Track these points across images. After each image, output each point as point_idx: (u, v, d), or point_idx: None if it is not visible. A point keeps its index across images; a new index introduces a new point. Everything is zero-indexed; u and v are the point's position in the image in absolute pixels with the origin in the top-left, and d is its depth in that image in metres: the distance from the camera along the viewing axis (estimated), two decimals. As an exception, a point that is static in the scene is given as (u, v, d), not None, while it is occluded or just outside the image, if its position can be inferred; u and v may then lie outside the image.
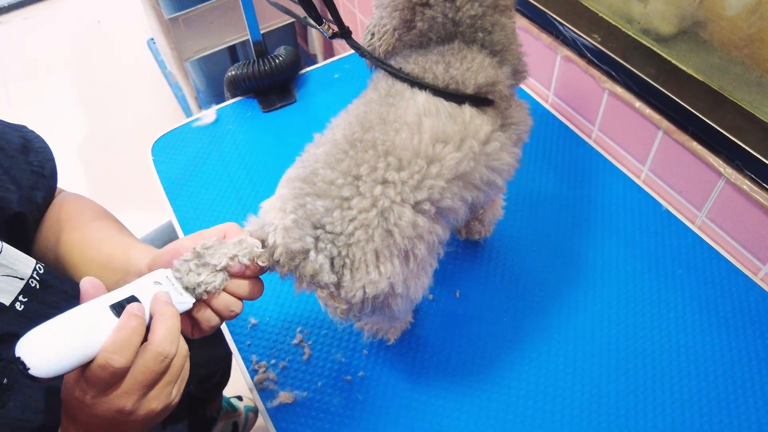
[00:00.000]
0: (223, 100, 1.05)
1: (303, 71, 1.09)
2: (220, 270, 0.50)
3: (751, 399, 0.65)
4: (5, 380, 0.50)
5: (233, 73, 1.02)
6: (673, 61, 0.80)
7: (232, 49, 1.85)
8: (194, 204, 0.89)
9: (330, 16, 0.63)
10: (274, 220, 0.51)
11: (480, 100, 0.58)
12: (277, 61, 1.01)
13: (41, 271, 0.57)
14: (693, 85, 0.78)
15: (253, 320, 0.75)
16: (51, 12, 2.78)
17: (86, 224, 0.66)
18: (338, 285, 0.51)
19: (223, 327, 0.75)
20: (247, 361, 0.72)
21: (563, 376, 0.68)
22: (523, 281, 0.77)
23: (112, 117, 2.21)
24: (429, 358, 0.71)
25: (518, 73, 0.63)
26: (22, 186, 0.62)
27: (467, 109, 0.56)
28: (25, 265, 0.56)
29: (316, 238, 0.50)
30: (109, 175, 1.97)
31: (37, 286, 0.56)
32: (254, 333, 0.74)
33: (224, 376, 1.10)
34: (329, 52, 1.89)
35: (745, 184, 0.71)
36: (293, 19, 1.78)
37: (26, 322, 0.53)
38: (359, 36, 0.66)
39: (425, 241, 0.53)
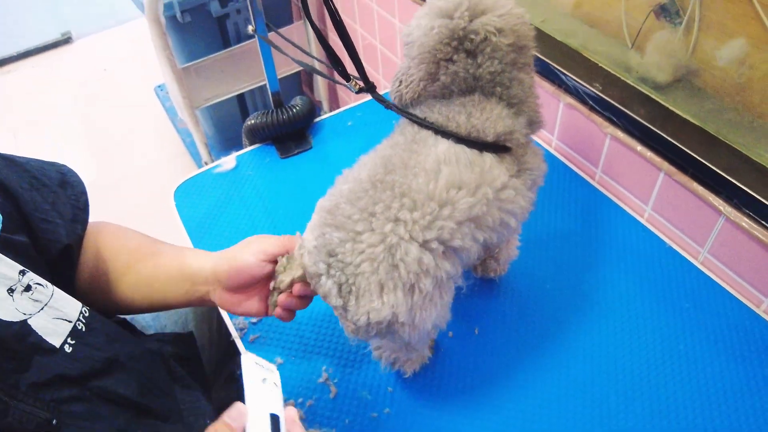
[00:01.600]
0: (231, 146, 1.10)
1: (317, 119, 1.15)
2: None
3: (763, 425, 0.68)
4: (54, 421, 0.52)
5: (252, 122, 1.07)
6: (671, 107, 0.86)
7: (240, 97, 1.91)
8: (217, 247, 0.92)
9: (356, 73, 0.69)
10: (306, 243, 0.61)
11: (499, 148, 0.63)
12: (294, 110, 1.07)
13: (86, 314, 0.60)
14: (690, 129, 0.83)
15: (279, 359, 0.78)
16: (58, 61, 2.86)
17: (133, 261, 0.71)
18: (345, 308, 0.57)
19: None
20: (275, 399, 0.74)
21: (582, 410, 0.71)
22: (538, 317, 0.80)
23: (120, 164, 2.26)
24: (451, 395, 0.73)
25: (534, 124, 0.68)
26: (66, 219, 0.65)
27: (487, 157, 0.61)
28: (72, 308, 0.59)
29: (329, 265, 0.57)
30: (118, 221, 2.00)
31: (83, 329, 0.58)
32: (281, 372, 0.76)
33: None
34: (334, 100, 1.96)
35: (744, 222, 0.76)
36: (299, 69, 1.85)
37: (75, 363, 0.56)
38: (380, 90, 0.71)
39: (432, 276, 0.57)
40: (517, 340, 0.78)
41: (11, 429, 0.48)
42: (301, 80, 2.04)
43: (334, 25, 0.65)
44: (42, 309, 0.55)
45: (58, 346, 0.55)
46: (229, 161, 1.07)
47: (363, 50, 1.63)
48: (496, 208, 0.61)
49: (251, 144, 1.12)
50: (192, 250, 0.71)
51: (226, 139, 1.98)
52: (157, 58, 1.56)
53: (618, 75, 0.93)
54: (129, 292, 0.71)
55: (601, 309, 0.81)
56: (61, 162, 0.73)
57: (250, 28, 0.97)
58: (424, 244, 0.56)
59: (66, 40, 2.94)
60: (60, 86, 2.68)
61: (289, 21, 1.83)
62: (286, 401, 0.73)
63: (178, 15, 1.54)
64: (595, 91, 0.93)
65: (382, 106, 0.68)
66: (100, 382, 0.58)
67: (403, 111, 0.65)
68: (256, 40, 1.71)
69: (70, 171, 0.72)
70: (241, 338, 0.81)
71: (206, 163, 1.87)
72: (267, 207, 0.98)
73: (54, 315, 0.56)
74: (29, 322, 0.53)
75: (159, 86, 2.31)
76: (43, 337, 0.54)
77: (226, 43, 1.72)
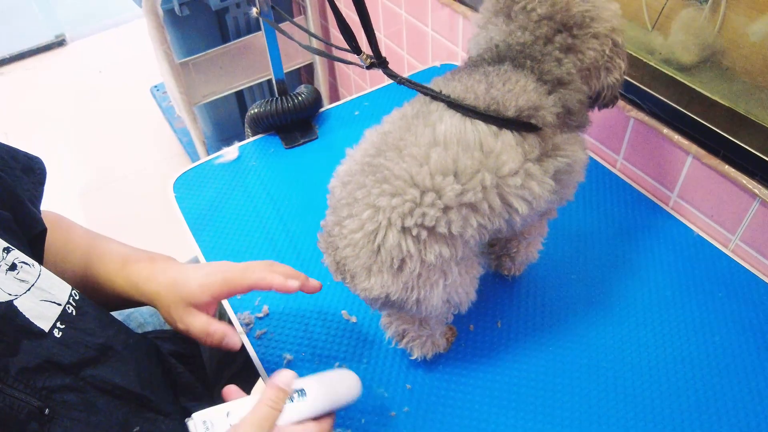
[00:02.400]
0: (230, 144, 1.05)
1: (323, 109, 1.10)
2: None
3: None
4: (47, 411, 0.48)
5: (256, 110, 1.02)
6: (697, 88, 0.82)
7: (239, 95, 1.87)
8: (220, 238, 0.88)
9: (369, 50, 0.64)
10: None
11: (522, 125, 0.58)
12: (299, 98, 1.02)
13: (77, 297, 0.55)
14: (719, 110, 0.79)
15: (288, 356, 0.73)
16: (52, 63, 2.81)
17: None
18: (347, 283, 0.59)
19: (258, 365, 0.73)
20: (285, 397, 0.69)
21: (614, 404, 0.66)
22: (563, 311, 0.76)
23: (116, 165, 2.21)
24: (471, 390, 0.69)
25: (572, 114, 0.62)
26: (36, 204, 0.61)
27: (505, 137, 0.56)
28: (61, 290, 0.54)
29: (328, 244, 0.59)
30: (117, 222, 1.95)
31: (74, 312, 0.54)
32: (291, 368, 0.72)
33: None
34: (335, 95, 1.92)
35: (783, 205, 0.72)
36: (299, 65, 1.81)
37: (65, 350, 0.51)
38: (394, 67, 0.67)
39: (417, 259, 0.55)
40: (542, 334, 0.73)
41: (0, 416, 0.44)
42: (301, 77, 2.00)
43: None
44: (29, 290, 0.50)
45: (47, 330, 0.50)
46: (231, 152, 1.03)
47: (383, 19, 1.54)
48: (496, 194, 0.55)
49: (254, 134, 1.07)
50: (136, 266, 0.67)
51: (224, 139, 1.93)
52: (154, 52, 1.51)
53: (640, 57, 0.89)
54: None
55: (628, 301, 0.76)
56: (57, 164, 0.69)
57: (255, 10, 0.92)
58: (404, 230, 0.54)
59: (60, 43, 2.89)
60: (55, 88, 2.63)
61: (290, 15, 1.79)
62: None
63: (177, 8, 1.49)
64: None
65: (395, 82, 0.63)
66: (95, 371, 0.53)
67: (413, 83, 0.60)
68: (256, 35, 1.68)
69: (39, 160, 0.67)
70: (247, 334, 0.76)
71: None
72: (272, 198, 0.94)
73: (42, 297, 0.51)
74: (15, 303, 0.48)
75: (155, 86, 2.27)
76: (31, 320, 0.49)
77: (225, 38, 1.68)
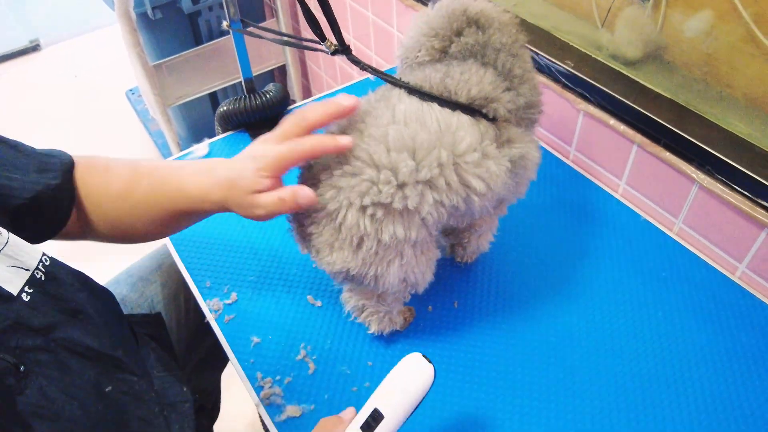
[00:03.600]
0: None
1: (292, 106, 1.14)
2: None
3: (741, 386, 0.68)
4: (22, 368, 0.50)
5: (225, 108, 1.06)
6: (642, 82, 0.87)
7: (213, 96, 1.90)
8: (199, 233, 0.91)
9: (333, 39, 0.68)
10: None
11: (473, 111, 0.62)
12: (267, 96, 1.06)
13: (47, 263, 0.57)
14: (661, 101, 0.84)
15: (255, 339, 0.76)
16: (27, 68, 2.80)
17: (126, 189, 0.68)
18: (313, 256, 0.63)
19: (226, 347, 0.76)
20: (252, 378, 0.72)
21: (562, 377, 0.71)
22: (518, 293, 0.80)
23: (90, 167, 2.21)
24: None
25: (532, 108, 0.67)
26: (30, 172, 0.62)
27: (459, 117, 0.60)
28: (30, 256, 0.56)
29: (296, 222, 0.64)
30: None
31: (43, 278, 0.56)
32: (257, 351, 0.75)
33: (214, 409, 1.09)
34: (307, 94, 1.96)
35: (717, 188, 0.77)
36: (272, 67, 1.85)
37: (34, 312, 0.54)
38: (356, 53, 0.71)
39: (375, 238, 0.58)
40: (496, 314, 0.78)
41: None
42: (274, 78, 2.04)
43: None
44: None
45: (15, 293, 0.53)
46: (201, 148, 1.06)
47: (352, 22, 1.59)
48: (453, 171, 0.59)
49: (224, 131, 1.10)
50: (188, 173, 0.66)
51: (198, 140, 1.95)
52: (128, 56, 1.54)
53: (589, 53, 0.94)
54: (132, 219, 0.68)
55: (579, 283, 0.81)
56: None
57: (225, 23, 0.96)
58: (362, 210, 0.58)
59: (34, 48, 2.89)
60: (30, 93, 2.63)
61: (262, 18, 1.82)
62: (262, 376, 0.72)
63: (149, 11, 1.52)
64: (567, 68, 0.94)
65: (358, 67, 0.67)
66: (65, 333, 0.55)
67: (375, 71, 0.65)
68: (228, 37, 1.71)
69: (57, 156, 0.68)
70: (216, 320, 0.79)
71: (179, 164, 1.85)
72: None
73: (9, 263, 0.53)
74: None
75: (131, 90, 2.28)
76: (0, 285, 0.52)
77: (198, 40, 1.71)
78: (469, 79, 0.62)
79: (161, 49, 1.62)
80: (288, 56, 1.81)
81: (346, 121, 0.62)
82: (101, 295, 0.65)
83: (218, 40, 1.68)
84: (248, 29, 0.94)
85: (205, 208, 0.65)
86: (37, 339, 0.53)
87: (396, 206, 0.57)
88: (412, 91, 0.61)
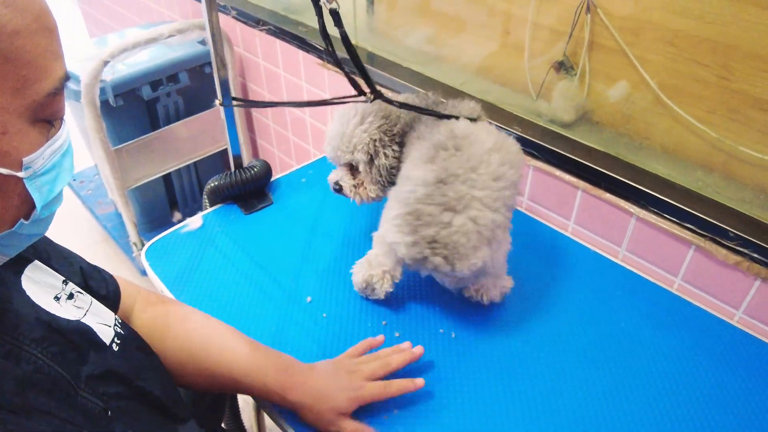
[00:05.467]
0: (158, 227, 1.17)
1: (273, 178, 1.25)
2: None
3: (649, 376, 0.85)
4: (109, 412, 0.57)
5: (216, 183, 1.15)
6: (578, 140, 1.08)
7: (167, 178, 1.96)
8: (202, 294, 0.98)
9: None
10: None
11: None
12: (253, 170, 1.17)
13: (119, 323, 0.66)
14: (597, 153, 1.04)
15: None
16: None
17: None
18: (453, 270, 0.80)
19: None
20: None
21: (522, 363, 0.84)
22: (505, 323, 0.94)
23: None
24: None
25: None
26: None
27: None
28: (109, 316, 0.65)
29: (432, 249, 0.79)
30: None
31: (122, 332, 0.65)
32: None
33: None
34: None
35: (651, 218, 0.96)
36: (219, 149, 1.95)
37: (121, 361, 0.62)
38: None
39: (503, 227, 0.82)
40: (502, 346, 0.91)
41: (83, 412, 0.53)
42: (224, 160, 2.13)
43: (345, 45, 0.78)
44: (85, 314, 0.61)
45: (108, 343, 0.61)
46: (195, 221, 1.14)
47: (291, 124, 1.78)
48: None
49: (212, 205, 1.19)
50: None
51: (152, 220, 2.00)
52: (90, 141, 1.59)
53: (532, 119, 1.14)
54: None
55: (540, 308, 0.95)
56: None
57: (217, 101, 1.08)
58: (495, 211, 0.80)
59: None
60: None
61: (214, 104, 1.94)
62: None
63: (111, 99, 1.60)
64: (515, 132, 1.13)
65: (394, 106, 0.87)
66: (142, 383, 0.63)
67: (411, 106, 0.86)
68: (184, 121, 1.81)
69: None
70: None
71: (135, 245, 1.88)
72: (246, 251, 1.06)
73: (97, 320, 0.62)
74: (83, 320, 0.59)
75: (73, 177, 2.29)
76: (98, 333, 0.59)
77: (154, 125, 1.79)
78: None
79: (120, 134, 1.69)
80: (240, 135, 1.93)
81: (438, 170, 0.81)
82: (152, 353, 0.73)
83: (174, 124, 1.77)
84: (243, 103, 1.07)
85: (273, 400, 0.76)
86: (120, 386, 0.61)
87: (509, 202, 0.85)
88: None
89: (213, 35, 1.01)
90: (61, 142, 0.51)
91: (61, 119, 0.51)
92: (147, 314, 0.77)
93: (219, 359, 0.75)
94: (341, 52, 0.80)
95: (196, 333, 0.77)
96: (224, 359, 0.75)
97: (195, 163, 1.94)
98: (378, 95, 0.82)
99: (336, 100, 0.91)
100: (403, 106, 0.84)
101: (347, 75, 0.80)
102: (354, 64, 0.78)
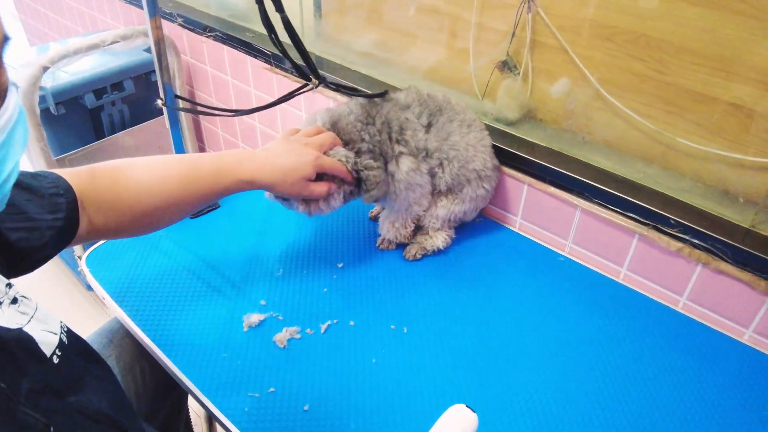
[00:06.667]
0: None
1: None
2: None
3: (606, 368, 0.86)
4: (52, 429, 0.54)
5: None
6: (522, 136, 1.09)
7: (112, 188, 1.90)
8: (145, 300, 0.95)
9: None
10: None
11: None
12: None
13: (65, 329, 0.62)
14: (541, 149, 1.06)
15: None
16: None
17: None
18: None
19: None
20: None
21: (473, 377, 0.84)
22: (449, 314, 0.94)
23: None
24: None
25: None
26: (43, 217, 0.68)
27: None
28: (55, 321, 0.61)
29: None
30: None
31: (66, 342, 0.61)
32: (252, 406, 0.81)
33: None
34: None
35: (595, 209, 0.98)
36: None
37: (58, 376, 0.58)
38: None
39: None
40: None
41: (24, 427, 0.50)
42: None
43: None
44: (29, 321, 0.57)
45: (48, 355, 0.57)
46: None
47: (241, 133, 1.75)
48: None
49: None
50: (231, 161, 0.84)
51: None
52: (30, 150, 1.53)
53: (479, 117, 1.15)
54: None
55: (491, 300, 0.96)
56: None
57: (159, 101, 1.05)
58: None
59: None
60: None
61: (160, 113, 1.90)
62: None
63: (52, 107, 1.55)
64: (463, 130, 1.14)
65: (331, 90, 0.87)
66: (82, 397, 0.60)
67: (353, 90, 0.84)
68: (130, 130, 1.77)
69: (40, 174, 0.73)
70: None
71: (79, 258, 1.81)
72: (193, 252, 1.03)
73: (41, 327, 0.58)
74: (25, 329, 0.55)
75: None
76: (39, 345, 0.56)
77: (98, 134, 1.74)
78: None
79: (63, 144, 1.64)
80: (188, 145, 1.89)
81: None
82: (101, 360, 0.69)
83: (119, 133, 1.73)
84: (189, 105, 1.04)
85: (244, 188, 0.86)
86: (59, 402, 0.57)
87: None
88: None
89: (155, 36, 0.99)
90: (7, 118, 0.46)
91: (4, 91, 0.46)
92: (96, 190, 0.78)
93: (185, 181, 0.82)
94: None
95: (148, 173, 0.83)
96: (191, 179, 0.82)
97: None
98: (322, 80, 0.82)
99: (284, 97, 0.91)
100: (339, 89, 0.86)
101: (292, 62, 0.80)
102: (297, 49, 0.78)
